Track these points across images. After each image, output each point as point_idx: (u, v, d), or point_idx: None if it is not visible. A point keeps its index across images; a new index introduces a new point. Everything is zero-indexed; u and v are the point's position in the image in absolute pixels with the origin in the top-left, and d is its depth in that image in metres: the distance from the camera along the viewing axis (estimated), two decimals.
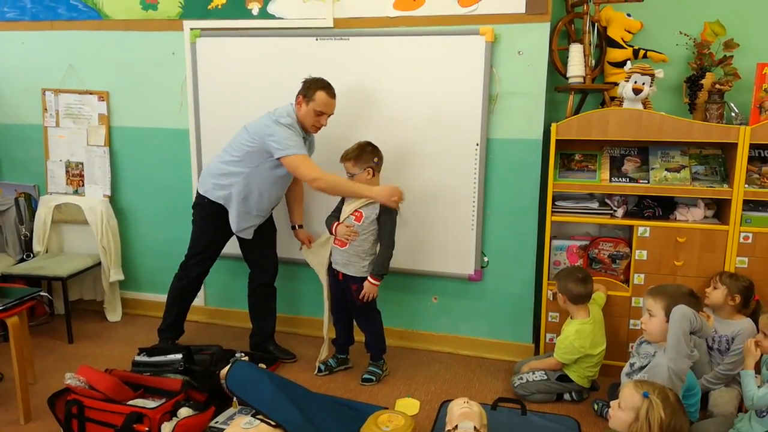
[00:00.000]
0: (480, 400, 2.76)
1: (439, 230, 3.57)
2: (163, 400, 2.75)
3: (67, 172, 4.18)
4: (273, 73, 3.58)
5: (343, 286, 3.27)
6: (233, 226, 3.37)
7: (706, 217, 3.24)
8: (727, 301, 2.93)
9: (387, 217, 3.15)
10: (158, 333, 3.59)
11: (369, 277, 3.16)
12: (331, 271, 3.31)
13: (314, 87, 3.15)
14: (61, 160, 4.18)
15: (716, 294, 2.96)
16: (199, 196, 3.42)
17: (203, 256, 3.48)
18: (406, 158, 3.51)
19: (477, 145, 3.41)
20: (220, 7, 3.70)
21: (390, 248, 3.17)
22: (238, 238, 3.47)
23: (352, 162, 3.13)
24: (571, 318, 3.12)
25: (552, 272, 3.40)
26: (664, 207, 3.28)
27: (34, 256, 4.10)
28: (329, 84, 3.19)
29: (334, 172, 3.21)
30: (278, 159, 3.14)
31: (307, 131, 3.28)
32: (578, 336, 3.00)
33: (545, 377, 3.10)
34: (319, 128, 3.26)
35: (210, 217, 3.39)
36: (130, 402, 2.73)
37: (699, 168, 3.23)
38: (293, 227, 3.58)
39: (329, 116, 3.24)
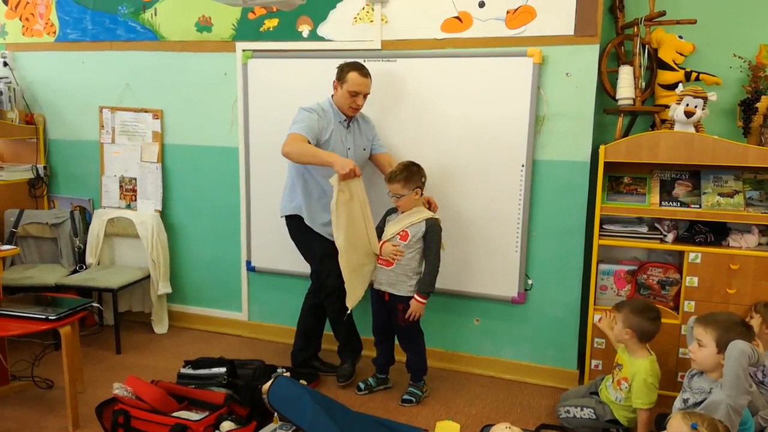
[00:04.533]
0: (522, 425, 2.72)
1: (482, 251, 3.55)
2: (207, 413, 2.79)
3: (121, 187, 4.32)
4: (321, 94, 3.62)
5: (388, 307, 3.27)
6: (313, 224, 3.37)
7: (760, 244, 3.14)
8: (763, 330, 2.82)
9: (433, 234, 3.15)
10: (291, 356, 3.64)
11: (416, 296, 3.16)
12: (374, 291, 3.31)
13: (347, 69, 3.22)
14: (115, 176, 4.32)
15: (752, 323, 2.84)
16: (285, 220, 3.48)
17: (328, 262, 3.27)
18: (452, 178, 3.52)
19: (523, 166, 3.39)
20: (271, 29, 3.80)
21: (436, 266, 3.16)
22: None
23: (402, 183, 3.10)
24: (629, 356, 2.93)
25: (598, 297, 3.33)
26: (716, 233, 3.19)
27: (86, 268, 4.22)
28: (362, 65, 3.25)
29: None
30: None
31: (347, 115, 3.31)
32: (652, 373, 2.83)
33: (594, 416, 2.97)
34: (357, 109, 3.28)
35: (302, 228, 3.42)
36: (175, 414, 2.79)
37: (753, 193, 3.14)
38: None
39: (365, 96, 3.27)
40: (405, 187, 3.11)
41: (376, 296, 3.31)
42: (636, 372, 2.85)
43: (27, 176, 4.39)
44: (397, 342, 3.41)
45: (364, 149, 3.44)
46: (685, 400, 2.54)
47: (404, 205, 3.17)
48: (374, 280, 3.29)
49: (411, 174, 3.12)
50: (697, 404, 2.44)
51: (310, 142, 3.16)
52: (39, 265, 4.22)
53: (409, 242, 3.15)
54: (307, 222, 3.38)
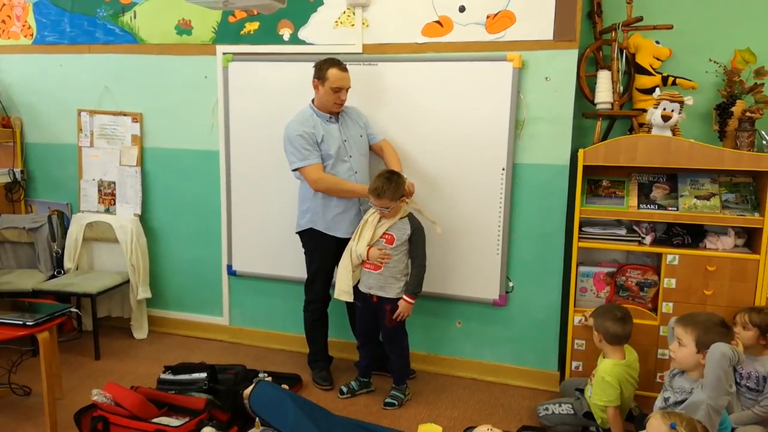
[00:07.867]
0: (504, 427, 2.74)
1: (464, 254, 3.56)
2: (187, 419, 2.77)
3: (100, 191, 4.27)
4: (302, 97, 3.61)
5: (375, 308, 3.27)
6: (336, 231, 3.38)
7: (736, 245, 3.19)
8: (759, 341, 2.84)
9: (419, 236, 3.18)
10: (309, 365, 3.62)
11: (405, 296, 3.18)
12: (361, 294, 3.30)
13: (325, 67, 3.24)
14: (94, 179, 4.27)
15: (748, 335, 2.85)
16: (299, 235, 3.49)
17: (318, 282, 3.48)
18: (433, 182, 3.53)
19: (503, 169, 3.41)
20: (252, 32, 3.79)
21: (424, 266, 3.20)
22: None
23: (390, 198, 3.08)
24: (603, 357, 3.00)
25: (578, 299, 3.37)
26: (693, 235, 3.24)
27: (64, 273, 4.17)
28: (338, 60, 3.28)
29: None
30: (294, 170, 3.29)
31: (331, 112, 3.33)
32: (613, 374, 2.86)
33: (572, 411, 3.02)
34: (342, 104, 3.32)
35: (313, 243, 3.44)
36: (155, 420, 2.76)
37: (729, 196, 3.19)
38: None
39: (347, 90, 3.31)
40: (392, 200, 3.10)
41: (362, 299, 3.31)
42: (598, 370, 2.92)
43: (4, 180, 4.33)
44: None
45: (361, 136, 3.44)
46: (666, 399, 2.58)
47: (391, 214, 3.17)
48: (361, 283, 3.29)
49: (397, 186, 3.10)
50: (677, 403, 2.48)
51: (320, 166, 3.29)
52: (16, 270, 4.17)
53: (395, 245, 3.16)
54: (335, 233, 3.37)
